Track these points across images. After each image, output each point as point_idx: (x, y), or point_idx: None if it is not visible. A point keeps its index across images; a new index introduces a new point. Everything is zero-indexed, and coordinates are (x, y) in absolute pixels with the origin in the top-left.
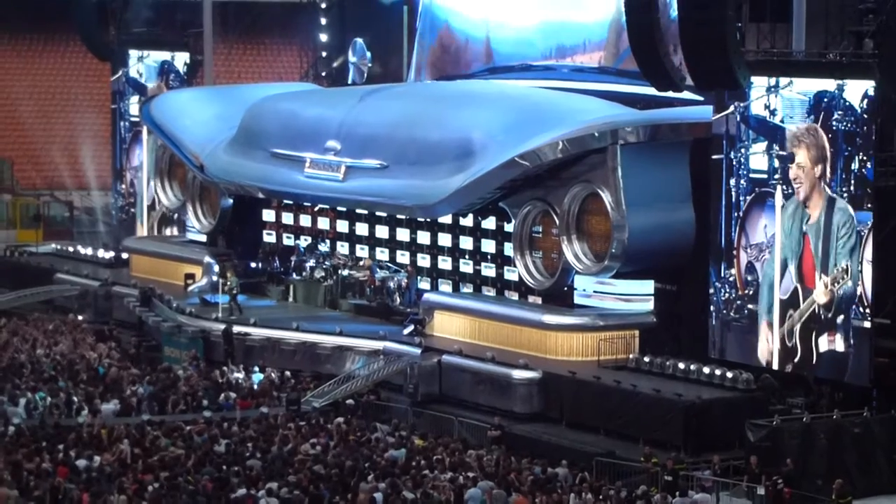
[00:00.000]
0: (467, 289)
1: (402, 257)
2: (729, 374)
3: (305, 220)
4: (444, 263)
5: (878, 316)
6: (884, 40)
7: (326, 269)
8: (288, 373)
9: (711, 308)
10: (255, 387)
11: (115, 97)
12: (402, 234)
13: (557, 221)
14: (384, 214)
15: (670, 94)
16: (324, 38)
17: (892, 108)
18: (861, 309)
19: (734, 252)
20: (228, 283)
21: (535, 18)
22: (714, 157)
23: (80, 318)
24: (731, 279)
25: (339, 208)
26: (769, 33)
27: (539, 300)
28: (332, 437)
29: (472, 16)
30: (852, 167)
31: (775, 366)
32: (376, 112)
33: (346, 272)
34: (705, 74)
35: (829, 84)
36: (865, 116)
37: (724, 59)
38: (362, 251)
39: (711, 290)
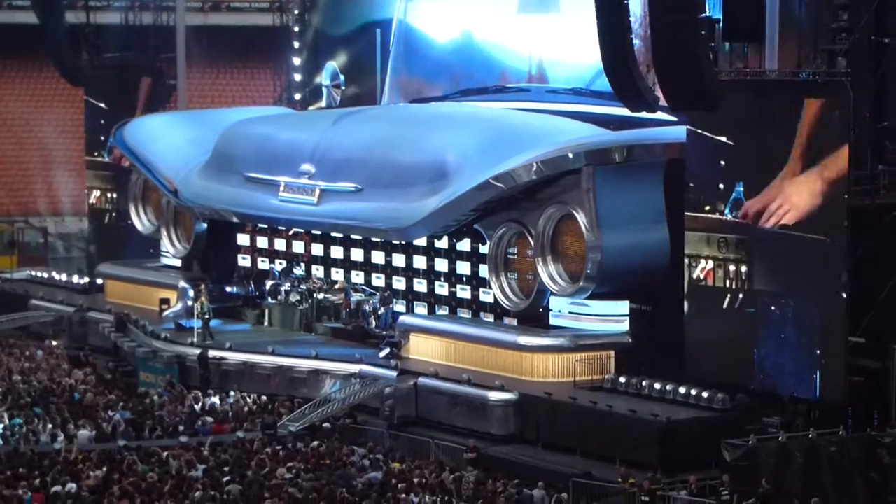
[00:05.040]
0: (443, 311)
1: (378, 280)
2: (704, 394)
3: (280, 244)
4: (420, 286)
5: (854, 335)
6: (857, 59)
7: (302, 292)
8: (264, 397)
9: None
10: (229, 411)
11: None
12: (377, 257)
13: (532, 243)
14: (359, 237)
15: (644, 114)
16: (297, 61)
17: (865, 127)
18: None
19: None
20: (200, 307)
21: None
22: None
23: (55, 343)
24: None
25: (313, 232)
26: (742, 53)
27: (515, 322)
28: (308, 460)
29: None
30: None
31: None
32: (350, 135)
33: (321, 296)
34: (678, 95)
35: None
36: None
37: (698, 80)
38: (337, 274)
39: None
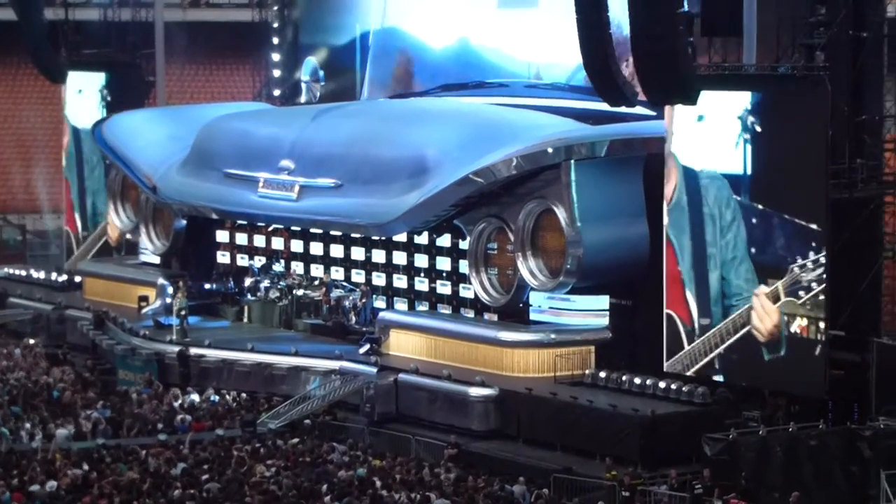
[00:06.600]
0: (423, 307)
1: (358, 276)
2: (685, 389)
3: (259, 241)
4: (400, 282)
5: (834, 328)
6: (835, 53)
7: (281, 289)
8: (244, 394)
9: None
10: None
11: None
12: (357, 253)
13: (512, 238)
14: (339, 233)
15: (623, 109)
16: (276, 57)
17: (843, 121)
18: None
19: None
20: (177, 304)
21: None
22: None
23: (32, 341)
24: None
25: (293, 228)
26: (720, 47)
27: (495, 317)
28: (287, 458)
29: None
30: None
31: None
32: (330, 131)
33: (301, 292)
34: (657, 89)
35: None
36: None
37: (676, 74)
38: (317, 270)
39: None
